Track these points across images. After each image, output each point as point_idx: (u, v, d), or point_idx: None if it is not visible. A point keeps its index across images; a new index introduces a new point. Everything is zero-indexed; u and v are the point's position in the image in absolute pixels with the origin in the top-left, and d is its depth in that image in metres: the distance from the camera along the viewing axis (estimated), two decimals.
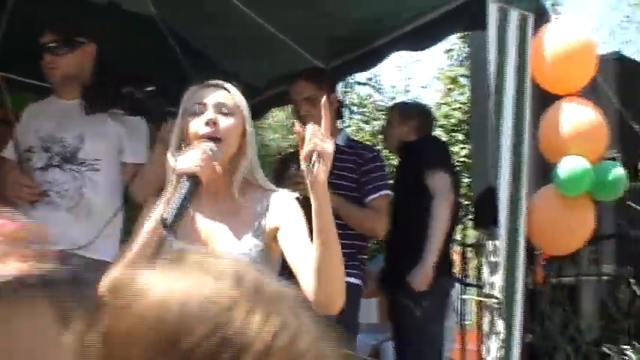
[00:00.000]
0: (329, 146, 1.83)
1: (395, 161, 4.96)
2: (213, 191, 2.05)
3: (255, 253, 2.00)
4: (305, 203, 1.95)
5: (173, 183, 1.96)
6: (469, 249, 5.71)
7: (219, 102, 2.07)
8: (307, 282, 1.87)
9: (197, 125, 2.04)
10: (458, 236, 5.29)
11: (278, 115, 10.63)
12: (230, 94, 2.10)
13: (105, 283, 0.64)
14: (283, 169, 3.30)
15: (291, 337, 0.62)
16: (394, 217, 3.48)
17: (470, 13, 3.36)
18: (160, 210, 1.92)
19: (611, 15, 14.30)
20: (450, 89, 10.61)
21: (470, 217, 6.01)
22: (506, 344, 3.10)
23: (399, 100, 9.21)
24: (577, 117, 3.26)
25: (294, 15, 3.82)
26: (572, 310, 3.94)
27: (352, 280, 3.18)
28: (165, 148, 2.18)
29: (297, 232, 1.98)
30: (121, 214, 2.99)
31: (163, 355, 0.59)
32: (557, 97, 3.35)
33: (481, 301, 3.52)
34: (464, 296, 5.38)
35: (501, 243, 3.11)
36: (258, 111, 4.08)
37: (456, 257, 5.01)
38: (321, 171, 1.81)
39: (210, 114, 2.04)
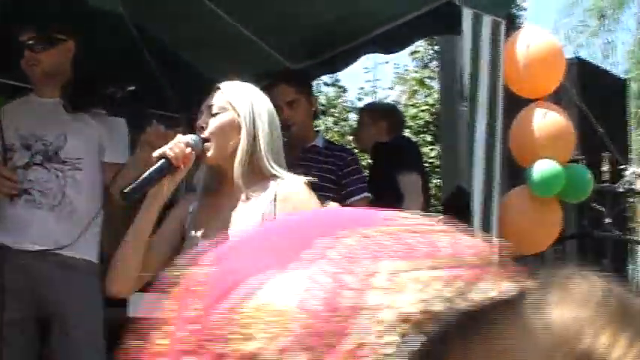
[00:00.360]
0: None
1: (365, 162, 5.02)
2: (226, 182, 2.13)
3: None
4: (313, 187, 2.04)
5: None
6: None
7: (208, 104, 2.16)
8: None
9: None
10: None
11: None
12: (221, 93, 2.17)
13: None
14: None
15: None
16: None
17: (443, 18, 3.43)
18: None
19: (566, 20, 14.51)
20: (415, 91, 10.71)
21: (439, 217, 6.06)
22: None
23: (366, 101, 9.27)
24: (547, 120, 3.34)
25: (265, 15, 3.83)
26: None
27: None
28: (149, 150, 2.19)
29: None
30: (101, 215, 2.99)
31: None
32: (527, 101, 3.44)
33: None
34: None
35: None
36: None
37: None
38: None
39: (201, 120, 2.15)
